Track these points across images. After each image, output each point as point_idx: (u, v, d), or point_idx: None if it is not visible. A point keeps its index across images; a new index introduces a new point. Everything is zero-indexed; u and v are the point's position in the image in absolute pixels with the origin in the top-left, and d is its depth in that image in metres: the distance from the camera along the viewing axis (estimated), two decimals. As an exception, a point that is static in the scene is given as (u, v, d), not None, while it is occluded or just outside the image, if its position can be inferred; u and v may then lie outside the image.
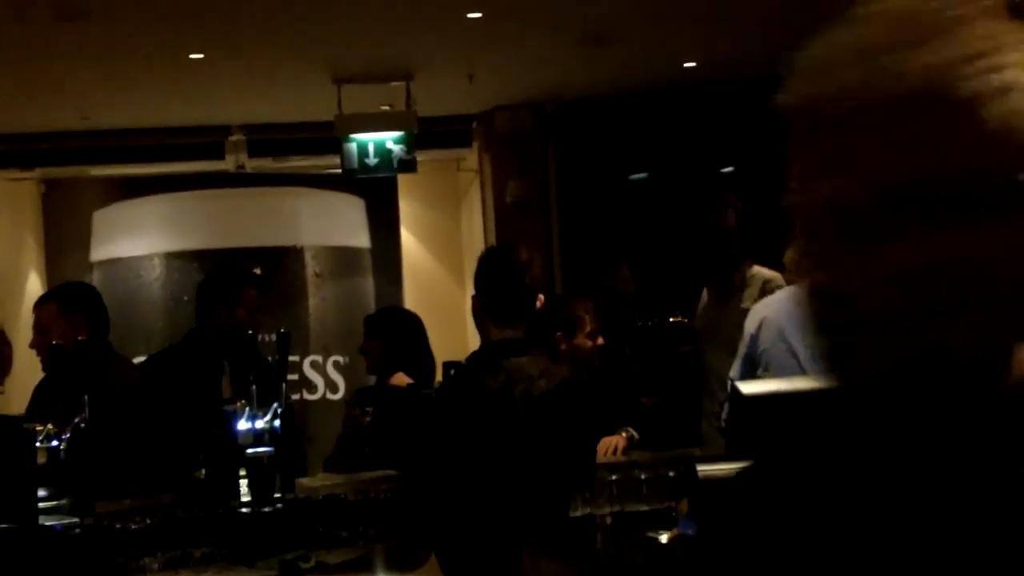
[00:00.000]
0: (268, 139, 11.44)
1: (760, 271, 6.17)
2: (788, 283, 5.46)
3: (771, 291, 6.00)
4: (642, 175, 11.66)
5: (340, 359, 11.08)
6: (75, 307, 5.59)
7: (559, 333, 5.93)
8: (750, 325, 4.79)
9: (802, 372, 4.26)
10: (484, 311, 4.69)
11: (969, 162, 1.10)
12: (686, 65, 10.33)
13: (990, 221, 1.09)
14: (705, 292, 6.44)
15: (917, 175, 1.12)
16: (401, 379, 6.06)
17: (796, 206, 1.27)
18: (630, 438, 6.04)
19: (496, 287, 4.66)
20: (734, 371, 4.66)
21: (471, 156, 12.52)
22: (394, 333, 6.45)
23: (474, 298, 4.75)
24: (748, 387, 3.55)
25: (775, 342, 4.49)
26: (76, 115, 10.58)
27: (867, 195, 1.16)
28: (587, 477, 4.95)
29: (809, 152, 1.29)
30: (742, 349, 4.64)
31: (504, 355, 4.57)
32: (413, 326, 6.60)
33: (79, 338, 4.95)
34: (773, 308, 4.75)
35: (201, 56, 9.10)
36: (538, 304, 4.70)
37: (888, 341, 1.15)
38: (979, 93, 1.08)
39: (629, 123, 11.35)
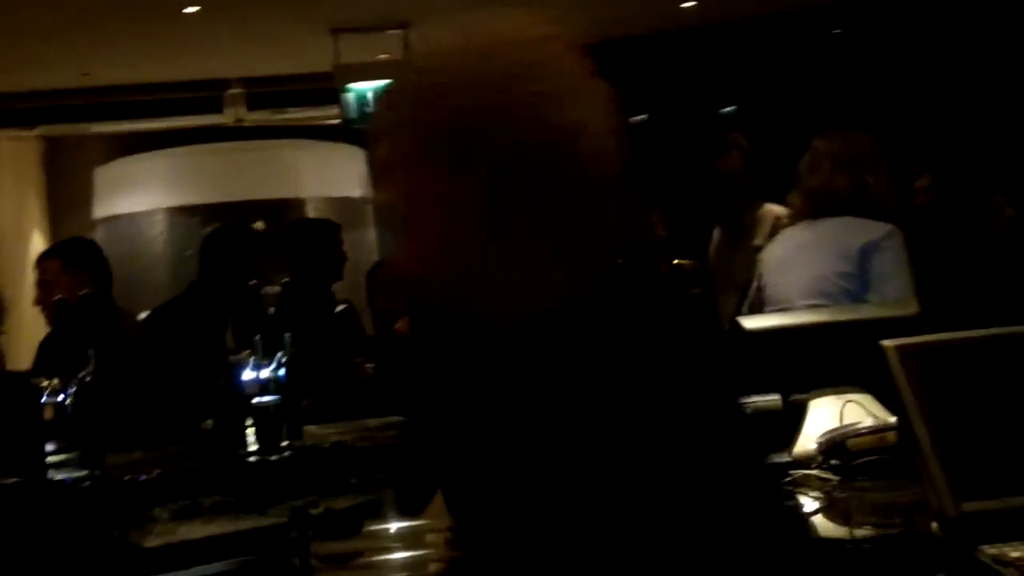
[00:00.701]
0: (266, 92, 11.40)
1: (771, 208, 6.09)
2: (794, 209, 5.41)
3: (783, 227, 5.97)
4: (642, 117, 11.63)
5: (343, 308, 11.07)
6: (78, 262, 5.59)
7: None
8: (759, 266, 4.80)
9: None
10: None
11: None
12: (683, 6, 10.28)
13: None
14: (716, 233, 6.39)
15: None
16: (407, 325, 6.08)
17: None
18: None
19: None
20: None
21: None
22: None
23: None
24: (750, 322, 3.56)
25: (777, 280, 4.50)
26: (75, 72, 10.54)
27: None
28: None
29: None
30: (754, 284, 4.65)
31: None
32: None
33: (83, 293, 4.95)
34: (776, 248, 4.75)
35: (197, 9, 9.06)
36: None
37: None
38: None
39: (628, 66, 11.29)
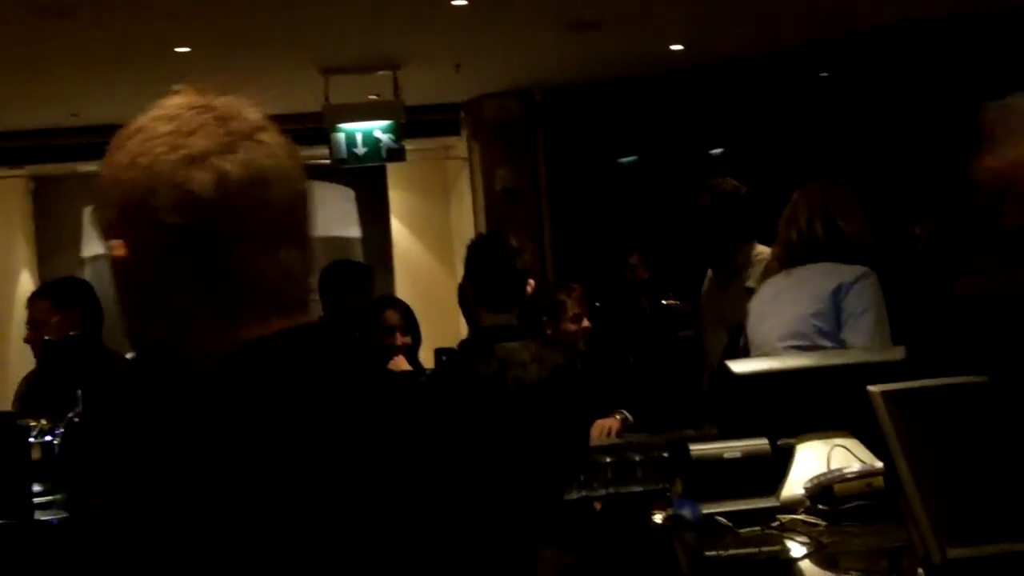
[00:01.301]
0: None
1: (764, 250, 6.13)
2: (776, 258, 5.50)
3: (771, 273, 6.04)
4: (631, 158, 11.67)
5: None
6: (69, 302, 5.59)
7: (544, 318, 5.98)
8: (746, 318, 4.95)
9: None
10: (475, 298, 4.69)
11: None
12: (673, 48, 10.33)
13: None
14: (708, 273, 6.42)
15: None
16: (400, 363, 6.07)
17: None
18: (624, 420, 6.05)
19: (487, 273, 4.66)
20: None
21: (460, 144, 12.52)
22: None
23: (463, 285, 4.75)
24: (739, 366, 3.57)
25: (757, 326, 4.64)
26: (65, 112, 10.57)
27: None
28: (581, 461, 4.96)
29: None
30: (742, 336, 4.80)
31: (496, 340, 4.58)
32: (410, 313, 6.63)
33: (71, 333, 4.95)
34: (759, 295, 4.89)
35: (188, 50, 9.09)
36: (528, 290, 4.71)
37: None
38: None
39: (617, 108, 11.35)
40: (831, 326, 4.32)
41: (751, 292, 6.05)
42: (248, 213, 1.49)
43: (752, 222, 6.19)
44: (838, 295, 4.36)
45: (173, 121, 1.57)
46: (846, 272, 4.41)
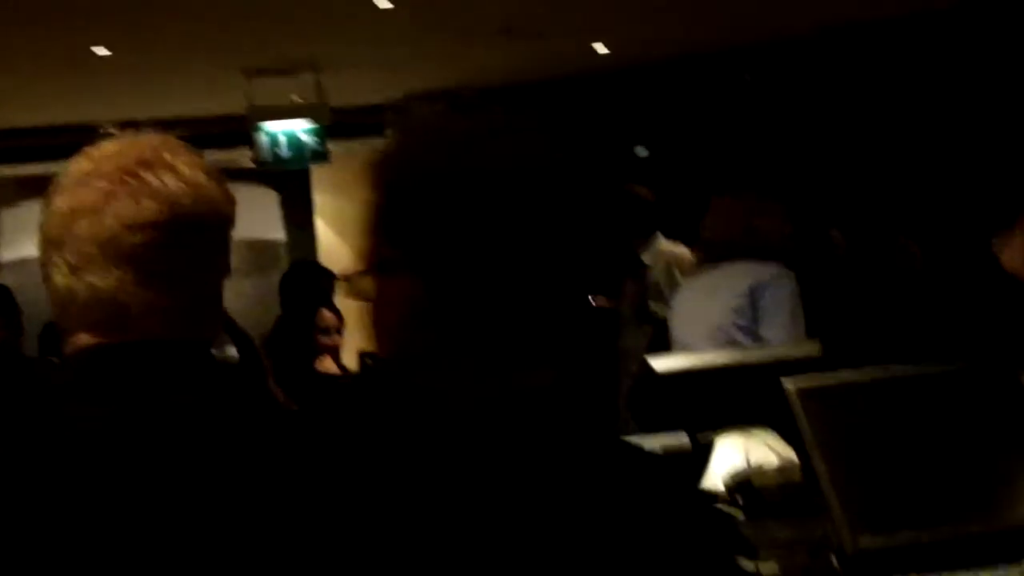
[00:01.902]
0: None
1: (666, 247, 6.33)
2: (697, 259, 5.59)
3: (676, 264, 6.20)
4: (559, 159, 11.70)
5: (259, 352, 11.02)
6: None
7: None
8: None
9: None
10: None
11: None
12: (598, 51, 10.37)
13: None
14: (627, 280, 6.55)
15: None
16: (327, 364, 6.06)
17: None
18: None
19: None
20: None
21: (385, 146, 12.49)
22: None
23: None
24: (659, 363, 3.60)
25: (676, 323, 4.72)
26: (-20, 116, 10.46)
27: None
28: None
29: None
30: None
31: None
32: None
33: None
34: (679, 293, 5.01)
35: (108, 53, 9.01)
36: None
37: None
38: None
39: (544, 110, 11.35)
40: (749, 323, 4.39)
41: (656, 287, 6.24)
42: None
43: (652, 222, 6.40)
44: (756, 293, 4.45)
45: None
46: (763, 271, 4.50)
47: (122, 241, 1.62)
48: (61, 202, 1.67)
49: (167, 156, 1.71)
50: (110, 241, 1.62)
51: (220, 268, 1.76)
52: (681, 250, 6.34)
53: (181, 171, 1.71)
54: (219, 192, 1.74)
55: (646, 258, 6.36)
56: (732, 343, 4.40)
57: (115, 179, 1.66)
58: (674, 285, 6.13)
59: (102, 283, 1.62)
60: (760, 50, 10.44)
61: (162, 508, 1.49)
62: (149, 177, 1.68)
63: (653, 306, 6.05)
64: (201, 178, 1.72)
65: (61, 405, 1.58)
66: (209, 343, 1.71)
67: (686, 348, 4.50)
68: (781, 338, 4.37)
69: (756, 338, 4.41)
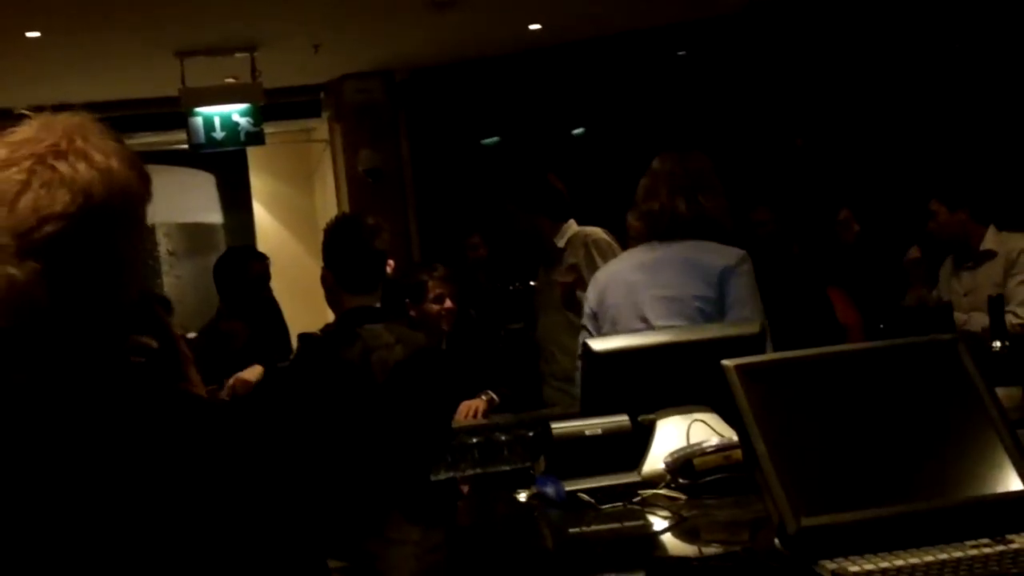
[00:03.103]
0: (112, 116, 11.17)
1: (581, 230, 6.33)
2: (623, 242, 5.48)
3: (594, 242, 6.16)
4: (494, 139, 11.69)
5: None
6: None
7: (407, 300, 5.97)
8: (593, 294, 4.67)
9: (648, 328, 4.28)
10: (336, 282, 4.68)
11: None
12: (531, 28, 10.36)
13: None
14: (541, 268, 6.59)
15: None
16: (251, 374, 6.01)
17: None
18: (490, 401, 6.08)
19: (345, 256, 4.66)
20: (582, 336, 4.68)
21: (321, 127, 12.43)
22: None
23: (324, 270, 4.73)
24: (599, 344, 3.60)
25: (623, 300, 4.49)
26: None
27: None
28: (445, 442, 4.98)
29: None
30: (587, 309, 4.62)
31: (359, 323, 4.58)
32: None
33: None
34: (620, 268, 4.77)
35: (38, 35, 8.91)
36: (388, 270, 4.72)
37: None
38: None
39: (479, 88, 11.36)
40: (715, 310, 4.25)
41: (574, 268, 6.21)
42: None
43: (561, 207, 6.37)
44: (723, 278, 4.29)
45: None
46: (728, 255, 4.35)
47: (36, 232, 1.62)
48: None
49: (79, 143, 1.71)
50: (26, 232, 1.62)
51: (132, 253, 1.73)
52: (595, 230, 6.32)
53: (93, 158, 1.70)
54: (133, 176, 1.73)
55: (559, 242, 6.35)
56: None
57: (28, 168, 1.66)
58: (594, 267, 6.12)
59: (19, 274, 1.61)
60: (693, 26, 10.46)
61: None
62: (62, 166, 1.68)
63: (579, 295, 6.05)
64: (114, 163, 1.71)
65: None
66: (110, 332, 1.70)
67: (635, 328, 4.33)
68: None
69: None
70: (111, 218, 1.69)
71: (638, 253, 4.59)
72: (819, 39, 9.87)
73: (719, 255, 4.35)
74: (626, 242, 5.94)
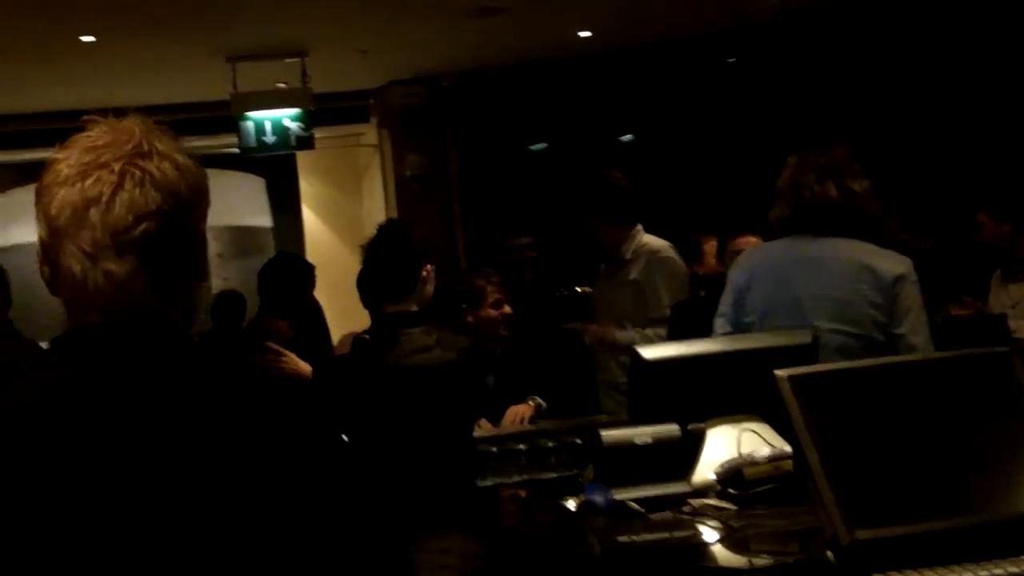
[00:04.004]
0: (164, 120, 11.27)
1: (647, 241, 6.22)
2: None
3: (659, 260, 6.07)
4: (541, 145, 11.69)
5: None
6: None
7: (464, 306, 5.97)
8: (741, 275, 4.34)
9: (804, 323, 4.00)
10: (373, 289, 4.76)
11: None
12: (581, 34, 10.35)
13: None
14: (602, 266, 6.49)
15: None
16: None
17: None
18: (537, 407, 6.07)
19: (379, 264, 4.74)
20: (720, 323, 4.29)
21: (369, 131, 12.47)
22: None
23: (359, 277, 4.82)
24: (649, 352, 3.59)
25: (777, 294, 4.19)
26: (-34, 102, 10.41)
27: None
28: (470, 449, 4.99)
29: None
30: (728, 295, 4.29)
31: (397, 327, 4.63)
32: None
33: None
34: (772, 258, 4.37)
35: (93, 39, 8.98)
36: (423, 274, 4.77)
37: None
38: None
39: (526, 94, 11.36)
40: (887, 319, 4.07)
41: (636, 284, 6.12)
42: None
43: (630, 212, 6.22)
44: (895, 287, 4.09)
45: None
46: (899, 262, 4.17)
47: (133, 230, 1.72)
48: (69, 193, 1.74)
49: (158, 144, 1.81)
50: (122, 231, 1.72)
51: (206, 245, 1.88)
52: (661, 245, 6.19)
53: (176, 159, 1.81)
54: (203, 174, 1.86)
55: (625, 252, 6.23)
56: (864, 338, 4.05)
57: (119, 170, 1.75)
58: (655, 286, 6.07)
59: (118, 270, 1.72)
60: (743, 32, 10.42)
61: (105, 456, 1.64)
62: (150, 166, 1.77)
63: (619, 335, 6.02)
64: (190, 163, 1.83)
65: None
66: (188, 320, 1.82)
67: (784, 324, 4.02)
68: (926, 341, 4.06)
69: (890, 337, 4.05)
70: (194, 214, 1.81)
71: (793, 244, 4.30)
72: (865, 46, 9.82)
73: (891, 261, 4.17)
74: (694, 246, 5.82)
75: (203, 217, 1.86)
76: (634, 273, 6.12)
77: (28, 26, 8.47)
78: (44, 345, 6.25)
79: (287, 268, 7.03)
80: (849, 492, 2.23)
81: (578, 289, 7.46)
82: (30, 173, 12.23)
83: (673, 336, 5.60)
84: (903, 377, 2.44)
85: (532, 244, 7.64)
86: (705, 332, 4.31)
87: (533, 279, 7.56)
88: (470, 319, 5.96)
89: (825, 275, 4.16)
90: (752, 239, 6.01)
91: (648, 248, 6.16)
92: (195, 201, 1.82)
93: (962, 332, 6.44)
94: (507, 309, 6.06)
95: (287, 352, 5.43)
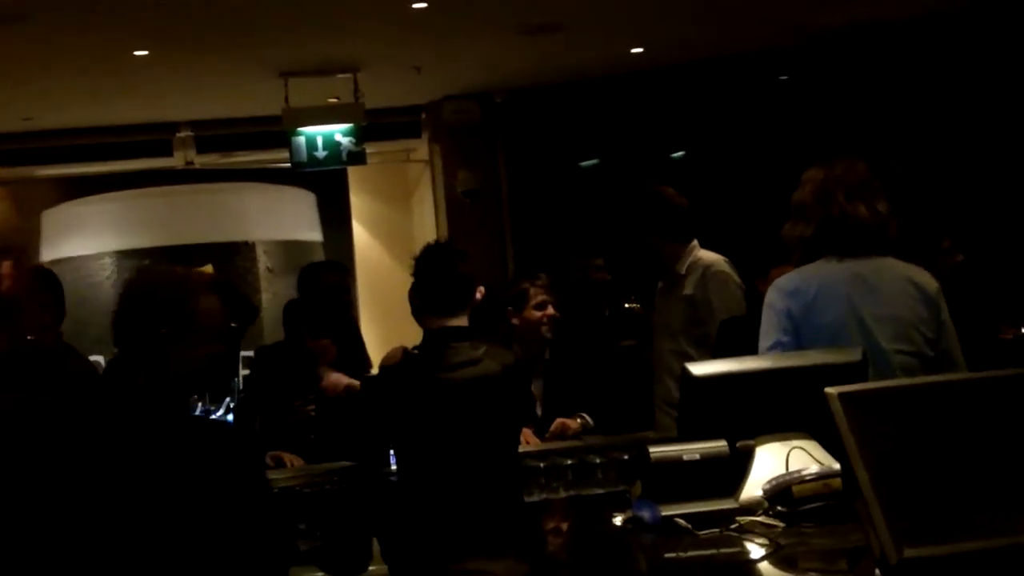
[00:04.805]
0: (216, 135, 11.37)
1: (702, 256, 6.19)
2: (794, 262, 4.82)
3: (713, 275, 6.04)
4: (593, 162, 11.68)
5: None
6: (44, 288, 5.60)
7: (509, 308, 6.00)
8: (793, 301, 4.15)
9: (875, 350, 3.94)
10: (423, 304, 4.79)
11: None
12: (633, 51, 10.34)
13: None
14: (660, 283, 6.46)
15: None
16: (339, 379, 6.04)
17: None
18: (584, 424, 6.06)
19: (431, 282, 4.76)
20: (767, 343, 4.14)
21: (421, 147, 12.49)
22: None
23: (410, 293, 4.84)
24: (699, 368, 3.57)
25: (844, 317, 4.09)
26: (18, 117, 10.49)
27: None
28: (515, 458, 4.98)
29: None
30: (781, 321, 4.12)
31: (446, 342, 4.66)
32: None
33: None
34: (830, 280, 4.19)
35: (146, 53, 9.04)
36: (478, 295, 4.79)
37: None
38: None
39: (578, 110, 11.35)
40: (934, 335, 4.08)
41: (690, 299, 6.10)
42: None
43: (684, 228, 6.19)
44: (937, 301, 4.12)
45: None
46: (931, 276, 4.18)
47: None
48: None
49: None
50: None
51: None
52: (715, 261, 6.15)
53: None
54: None
55: (680, 267, 6.20)
56: (919, 355, 4.04)
57: None
58: (708, 303, 6.03)
59: None
60: (796, 50, 10.38)
61: None
62: None
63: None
64: None
65: None
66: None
67: (842, 343, 3.95)
68: (960, 358, 4.08)
69: (937, 352, 4.06)
70: None
71: (841, 265, 4.18)
72: (919, 62, 9.77)
73: (926, 276, 4.18)
74: (768, 260, 5.70)
75: None
76: (688, 288, 6.10)
77: (82, 40, 8.54)
78: (95, 358, 6.36)
79: (316, 273, 7.03)
80: (898, 510, 2.22)
81: (626, 306, 7.45)
82: (81, 187, 12.34)
83: (719, 353, 5.53)
84: (954, 395, 2.42)
85: (605, 265, 7.62)
86: (753, 349, 4.23)
87: (604, 300, 7.53)
88: (515, 321, 6.00)
89: (880, 294, 4.12)
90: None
91: (702, 263, 6.14)
92: None
93: (1007, 353, 6.39)
94: (551, 311, 6.06)
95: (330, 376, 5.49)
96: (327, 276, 6.90)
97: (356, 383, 5.88)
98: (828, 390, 2.38)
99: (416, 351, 4.84)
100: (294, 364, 6.12)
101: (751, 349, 4.22)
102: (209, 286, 3.05)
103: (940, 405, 2.39)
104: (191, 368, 2.82)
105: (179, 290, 2.96)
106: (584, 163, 11.72)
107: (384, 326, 7.00)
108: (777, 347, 4.13)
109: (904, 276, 4.17)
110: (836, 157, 4.37)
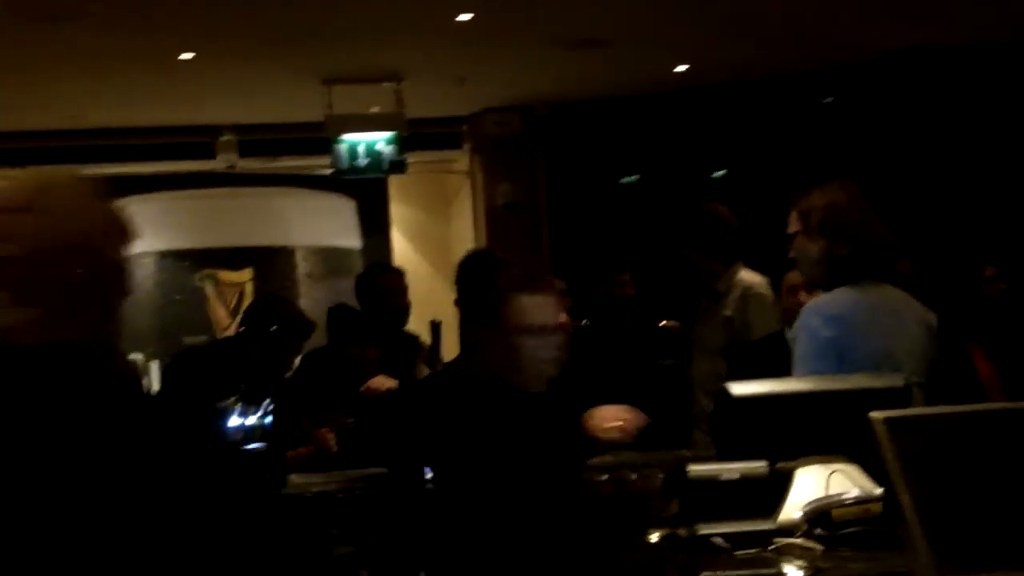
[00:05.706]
0: (258, 139, 11.42)
1: (743, 277, 6.13)
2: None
3: (752, 297, 6.00)
4: (633, 178, 11.67)
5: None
6: None
7: None
8: (833, 328, 4.01)
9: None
10: (466, 315, 4.79)
11: None
12: (677, 69, 10.34)
13: None
14: (703, 301, 6.41)
15: None
16: (382, 382, 6.04)
17: None
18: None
19: (473, 289, 4.75)
20: (806, 370, 3.98)
21: (461, 158, 12.52)
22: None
23: (456, 303, 4.84)
24: (737, 388, 3.56)
25: (887, 346, 4.03)
26: (65, 115, 10.56)
27: None
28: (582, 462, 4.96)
29: None
30: (823, 348, 3.98)
31: None
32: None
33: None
34: (872, 308, 4.10)
35: (191, 56, 9.10)
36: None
37: None
38: None
39: (620, 126, 11.36)
40: (927, 366, 4.09)
41: (729, 321, 6.05)
42: None
43: (731, 249, 6.13)
44: (935, 337, 4.14)
45: None
46: (927, 311, 4.20)
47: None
48: None
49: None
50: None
51: None
52: (756, 282, 6.06)
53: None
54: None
55: (722, 288, 6.14)
56: (922, 384, 3.99)
57: None
58: (746, 326, 5.98)
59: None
60: (841, 71, 10.36)
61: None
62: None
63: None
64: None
65: None
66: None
67: (877, 370, 3.86)
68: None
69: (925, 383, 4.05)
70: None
71: (875, 292, 4.11)
72: (965, 90, 9.73)
73: (923, 310, 4.19)
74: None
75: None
76: (728, 309, 6.04)
77: (129, 41, 8.60)
78: (134, 355, 6.41)
79: (370, 276, 7.03)
80: (940, 536, 2.21)
81: (662, 324, 7.43)
82: (125, 187, 12.48)
83: (731, 376, 5.42)
84: (1000, 423, 2.41)
85: (631, 280, 7.61)
86: (761, 373, 4.12)
87: (632, 316, 7.52)
88: None
89: (907, 327, 4.11)
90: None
91: (742, 284, 6.09)
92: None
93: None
94: (564, 318, 6.03)
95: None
96: (385, 280, 6.90)
97: (396, 384, 5.88)
98: (873, 414, 2.38)
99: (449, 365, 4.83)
100: (336, 371, 6.12)
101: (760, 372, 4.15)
102: None
103: (985, 432, 2.38)
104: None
105: None
106: (624, 179, 11.72)
107: (420, 333, 6.98)
108: (811, 364, 4.02)
109: (918, 307, 4.18)
110: (839, 180, 4.32)
